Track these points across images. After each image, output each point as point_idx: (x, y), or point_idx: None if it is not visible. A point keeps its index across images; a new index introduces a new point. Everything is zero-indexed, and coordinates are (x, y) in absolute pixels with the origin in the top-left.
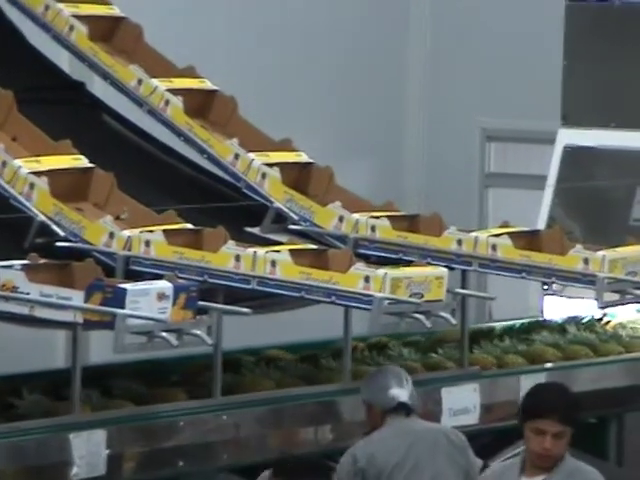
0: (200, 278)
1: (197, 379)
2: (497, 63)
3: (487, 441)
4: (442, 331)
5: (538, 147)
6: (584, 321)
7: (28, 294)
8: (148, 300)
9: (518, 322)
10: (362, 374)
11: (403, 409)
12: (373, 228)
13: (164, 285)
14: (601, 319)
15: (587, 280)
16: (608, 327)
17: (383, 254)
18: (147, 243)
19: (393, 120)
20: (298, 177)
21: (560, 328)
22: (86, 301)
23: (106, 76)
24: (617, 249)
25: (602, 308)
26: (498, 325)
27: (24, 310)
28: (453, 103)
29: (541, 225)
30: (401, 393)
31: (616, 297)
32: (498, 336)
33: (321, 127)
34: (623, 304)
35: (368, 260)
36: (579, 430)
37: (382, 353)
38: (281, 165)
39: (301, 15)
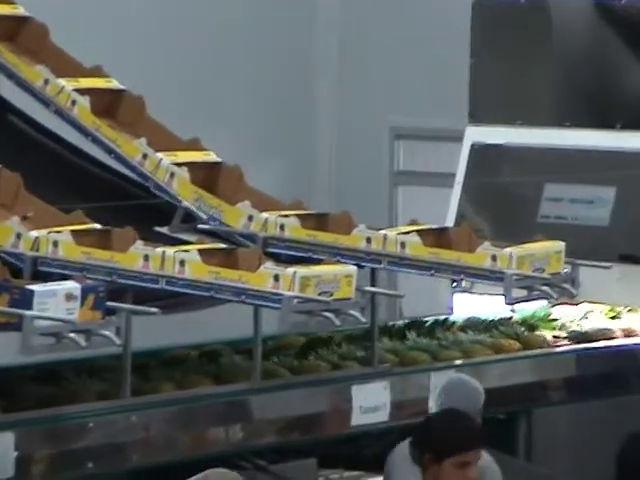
0: (108, 278)
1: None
2: (405, 61)
3: (397, 438)
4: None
5: (446, 145)
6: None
7: None
8: (56, 301)
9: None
10: (272, 374)
11: None
12: (282, 227)
13: (72, 286)
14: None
15: (495, 277)
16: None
17: (292, 253)
18: (55, 244)
19: (303, 119)
20: (207, 176)
21: (402, 334)
22: None
23: (11, 76)
24: (525, 246)
25: (510, 304)
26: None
27: None
28: (362, 101)
29: (450, 223)
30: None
31: (524, 293)
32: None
33: (231, 126)
34: (531, 300)
35: (278, 259)
36: (489, 427)
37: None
38: (190, 164)
39: (210, 13)
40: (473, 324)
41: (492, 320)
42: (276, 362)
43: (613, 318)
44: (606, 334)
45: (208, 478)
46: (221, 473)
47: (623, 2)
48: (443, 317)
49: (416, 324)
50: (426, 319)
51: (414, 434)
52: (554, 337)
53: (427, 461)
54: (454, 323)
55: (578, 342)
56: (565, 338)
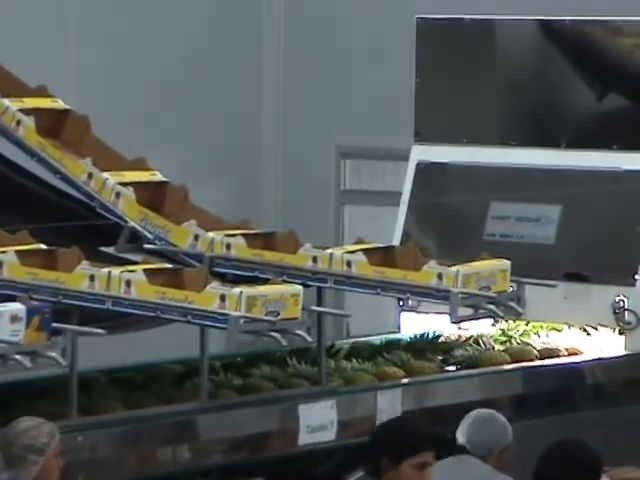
0: (54, 299)
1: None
2: (351, 81)
3: (344, 457)
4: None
5: (392, 164)
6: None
7: None
8: (1, 323)
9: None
10: (220, 394)
11: (457, 451)
12: (229, 246)
13: (17, 307)
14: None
15: (441, 295)
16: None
17: (239, 272)
18: (0, 264)
19: (248, 138)
20: (153, 196)
21: (282, 360)
22: None
23: None
24: (471, 264)
25: (455, 323)
26: None
27: None
28: (308, 121)
29: (396, 241)
30: (459, 436)
31: (470, 311)
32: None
33: (176, 146)
34: (477, 319)
35: (224, 278)
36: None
37: (239, 372)
38: (135, 184)
39: (156, 33)
40: (358, 351)
41: (378, 346)
42: (222, 380)
43: (503, 343)
44: (492, 360)
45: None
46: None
47: (567, 21)
48: (330, 343)
49: (300, 351)
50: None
51: (369, 445)
52: (441, 362)
53: (385, 468)
54: (340, 350)
55: (465, 368)
56: (452, 364)
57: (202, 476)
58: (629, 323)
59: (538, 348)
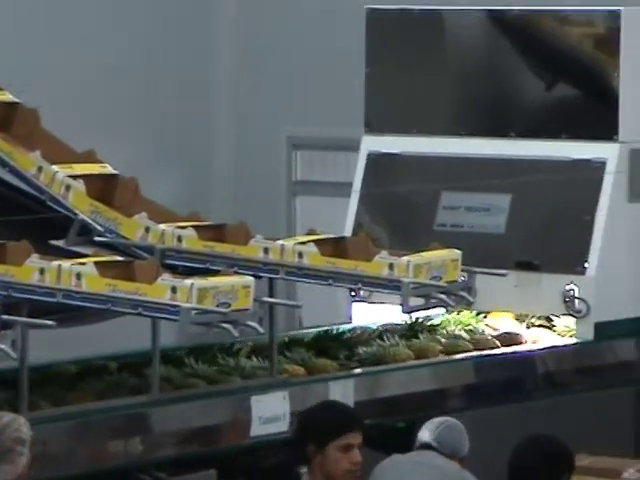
0: (4, 292)
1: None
2: (302, 71)
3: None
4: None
5: (344, 154)
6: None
7: None
8: None
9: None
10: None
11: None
12: (179, 238)
13: None
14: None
15: (393, 285)
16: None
17: (190, 264)
18: None
19: (199, 129)
20: (103, 189)
21: (179, 361)
22: None
23: None
24: (422, 254)
25: (407, 313)
26: None
27: None
28: (259, 111)
29: (347, 232)
30: (423, 434)
31: (422, 301)
32: None
33: (127, 138)
34: (428, 308)
35: (175, 271)
36: (388, 435)
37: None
38: (85, 177)
39: (107, 24)
40: (260, 348)
41: (281, 343)
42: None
43: (409, 338)
44: (396, 356)
45: None
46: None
47: (516, 11)
48: (229, 343)
49: (200, 349)
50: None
51: (293, 434)
52: (345, 360)
53: (311, 454)
54: (240, 349)
55: (368, 365)
56: (355, 361)
57: (154, 469)
58: (579, 311)
59: (472, 338)
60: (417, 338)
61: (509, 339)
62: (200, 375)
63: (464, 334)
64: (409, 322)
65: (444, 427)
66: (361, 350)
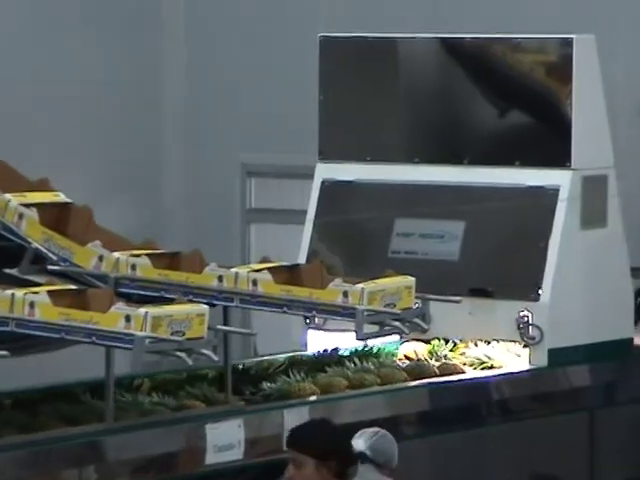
0: None
1: None
2: (256, 99)
3: (252, 476)
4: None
5: (299, 182)
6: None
7: None
8: None
9: None
10: (125, 415)
11: (359, 457)
12: (134, 267)
13: None
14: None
15: (347, 313)
16: None
17: (144, 292)
18: None
19: (153, 158)
20: (56, 217)
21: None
22: None
23: None
24: (376, 281)
25: (361, 340)
26: None
27: None
28: (213, 139)
29: (302, 260)
30: (357, 442)
31: (376, 329)
32: None
33: (80, 166)
34: (383, 335)
35: (129, 299)
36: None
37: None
38: (39, 205)
39: (58, 50)
40: (164, 383)
41: (183, 379)
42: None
43: (317, 371)
44: (301, 391)
45: None
46: None
47: (468, 39)
48: (130, 379)
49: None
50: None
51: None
52: (250, 395)
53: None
54: (141, 384)
55: (274, 400)
56: (260, 397)
57: None
58: (533, 338)
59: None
60: (324, 372)
61: (450, 368)
62: (96, 411)
63: (372, 366)
64: (316, 355)
65: (378, 436)
66: (266, 386)
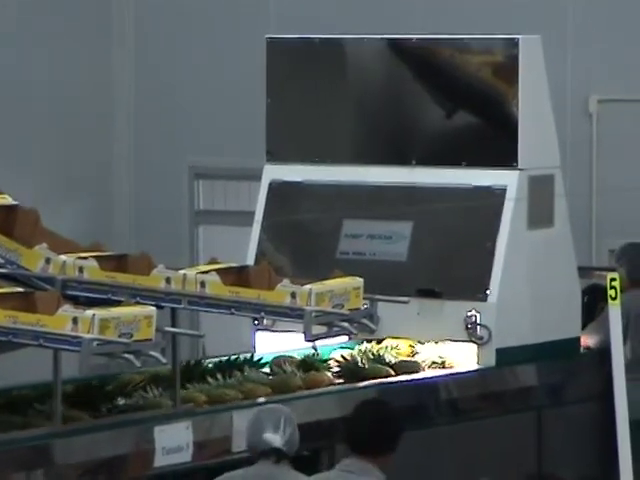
0: None
1: None
2: (204, 101)
3: (201, 479)
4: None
5: (246, 184)
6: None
7: None
8: None
9: None
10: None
11: (273, 454)
12: (81, 269)
13: None
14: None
15: (295, 314)
16: None
17: (92, 295)
18: None
19: (100, 160)
20: (3, 220)
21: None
22: None
23: None
24: (324, 282)
25: (310, 341)
26: None
27: None
28: (160, 141)
29: (250, 261)
30: (274, 438)
31: (324, 329)
32: None
33: (27, 168)
34: (331, 336)
35: (77, 301)
36: (293, 463)
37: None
38: None
39: (9, 54)
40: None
41: (34, 397)
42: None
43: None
44: (226, 398)
45: None
46: None
47: (415, 40)
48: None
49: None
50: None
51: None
52: (106, 412)
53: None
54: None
55: None
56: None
57: None
58: (481, 338)
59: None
60: (184, 388)
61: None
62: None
63: (234, 381)
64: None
65: (287, 424)
66: (121, 402)
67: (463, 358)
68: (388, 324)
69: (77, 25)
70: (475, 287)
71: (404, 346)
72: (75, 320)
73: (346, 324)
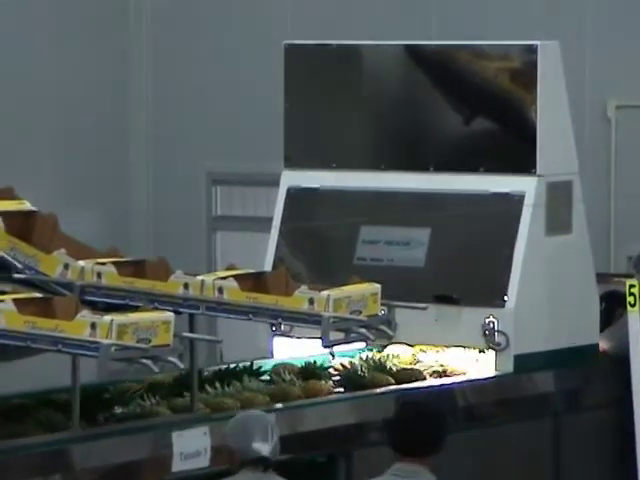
0: None
1: None
2: (222, 106)
3: None
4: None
5: (264, 189)
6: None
7: None
8: None
9: None
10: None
11: (261, 463)
12: (99, 275)
13: None
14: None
15: (313, 320)
16: None
17: (110, 300)
18: None
19: (119, 166)
20: (22, 225)
21: None
22: None
23: None
24: (342, 288)
25: (327, 347)
26: None
27: None
28: (179, 147)
29: (268, 267)
30: (263, 447)
31: (342, 336)
32: None
33: (46, 174)
34: (348, 342)
35: (95, 307)
36: (309, 470)
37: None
38: (4, 213)
39: (25, 61)
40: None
41: (21, 405)
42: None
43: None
44: (224, 407)
45: None
46: None
47: (433, 46)
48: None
49: None
50: None
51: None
52: (103, 421)
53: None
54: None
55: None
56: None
57: None
58: (499, 344)
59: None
60: (182, 396)
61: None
62: None
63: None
64: (173, 379)
65: (277, 437)
66: (118, 410)
67: (464, 366)
68: (405, 330)
69: (93, 28)
70: (493, 293)
71: (408, 353)
72: (93, 325)
73: (364, 330)
